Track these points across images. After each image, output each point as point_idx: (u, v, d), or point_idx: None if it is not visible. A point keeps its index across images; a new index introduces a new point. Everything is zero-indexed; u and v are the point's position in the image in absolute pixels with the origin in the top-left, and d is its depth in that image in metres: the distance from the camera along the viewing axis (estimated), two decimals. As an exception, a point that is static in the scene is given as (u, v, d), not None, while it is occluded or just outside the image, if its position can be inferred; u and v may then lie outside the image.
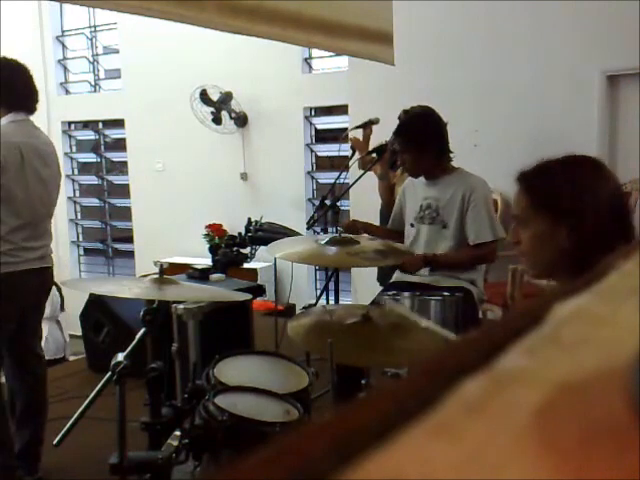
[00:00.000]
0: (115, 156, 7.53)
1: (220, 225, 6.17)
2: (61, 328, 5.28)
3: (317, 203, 3.70)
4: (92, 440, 2.69)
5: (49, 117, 7.33)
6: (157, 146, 6.71)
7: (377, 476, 0.21)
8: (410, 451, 0.22)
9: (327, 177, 6.00)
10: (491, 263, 3.09)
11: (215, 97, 6.06)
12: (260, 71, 6.03)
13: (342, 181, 3.67)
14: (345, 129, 5.62)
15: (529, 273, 1.71)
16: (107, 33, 7.31)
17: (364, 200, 4.41)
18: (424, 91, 4.45)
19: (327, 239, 2.40)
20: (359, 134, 4.10)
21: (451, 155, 3.02)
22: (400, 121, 3.04)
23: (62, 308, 5.32)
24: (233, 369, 2.12)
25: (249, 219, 3.98)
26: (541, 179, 1.54)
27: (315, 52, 5.99)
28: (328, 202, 3.34)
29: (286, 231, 3.84)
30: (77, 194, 7.66)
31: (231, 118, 6.17)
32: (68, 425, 1.72)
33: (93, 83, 7.46)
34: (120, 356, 1.78)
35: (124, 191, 7.22)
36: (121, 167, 7.44)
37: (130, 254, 7.29)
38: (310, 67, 6.13)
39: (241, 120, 6.20)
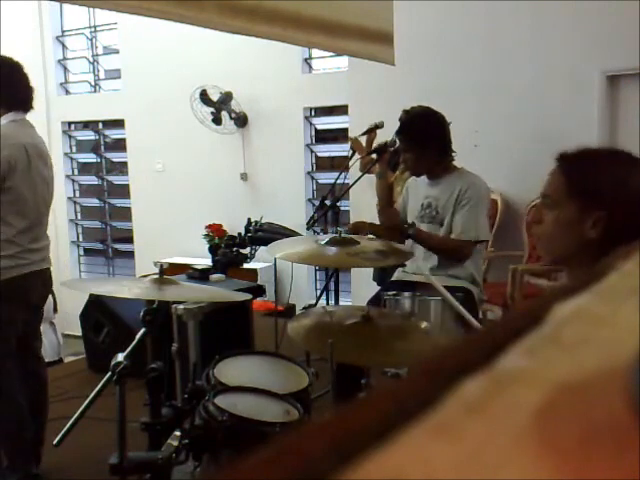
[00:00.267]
0: (115, 156, 7.53)
1: (220, 225, 6.17)
2: (55, 330, 5.28)
3: (317, 203, 3.70)
4: (92, 440, 2.69)
5: (49, 117, 7.33)
6: (157, 146, 6.72)
7: (377, 476, 0.21)
8: (410, 451, 0.22)
9: (327, 177, 6.00)
10: (460, 262, 2.99)
11: (215, 97, 6.06)
12: (260, 71, 6.03)
13: (342, 181, 3.67)
14: (345, 129, 5.62)
15: (542, 257, 1.64)
16: (107, 33, 7.32)
17: (364, 200, 4.41)
18: (424, 91, 4.45)
19: (327, 239, 2.40)
20: (363, 138, 4.11)
21: (453, 155, 3.02)
22: (402, 120, 3.04)
23: (55, 309, 5.32)
24: (233, 369, 2.12)
25: (249, 219, 3.98)
26: (583, 163, 1.50)
27: (315, 52, 5.99)
28: (328, 202, 3.34)
29: (286, 231, 3.84)
30: (77, 194, 7.66)
31: (231, 118, 6.17)
32: (68, 425, 1.73)
33: (93, 83, 7.46)
34: (120, 356, 1.78)
35: (124, 191, 7.22)
36: (121, 167, 7.44)
37: (130, 254, 7.29)
38: (310, 67, 6.14)
39: (241, 120, 6.20)
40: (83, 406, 1.74)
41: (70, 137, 7.55)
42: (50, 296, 5.12)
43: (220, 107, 6.08)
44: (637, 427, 0.22)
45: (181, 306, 2.89)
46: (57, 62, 7.41)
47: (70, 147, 7.56)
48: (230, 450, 1.76)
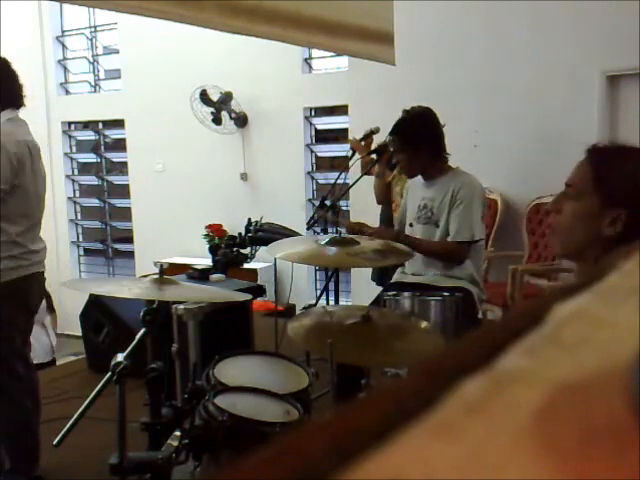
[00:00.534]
0: (115, 156, 7.53)
1: (220, 225, 6.18)
2: (47, 332, 5.27)
3: (317, 203, 3.70)
4: (92, 440, 2.69)
5: (49, 117, 7.33)
6: (157, 146, 6.72)
7: (377, 476, 0.21)
8: (410, 451, 0.22)
9: (327, 177, 6.00)
10: (459, 264, 2.99)
11: (215, 97, 6.06)
12: (260, 71, 6.03)
13: (342, 181, 3.67)
14: (345, 129, 5.62)
15: (554, 249, 1.63)
16: (107, 33, 7.32)
17: (364, 200, 4.41)
18: (424, 91, 4.45)
19: (327, 239, 2.40)
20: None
21: (447, 156, 3.02)
22: (396, 122, 3.04)
23: (50, 311, 5.33)
24: (233, 369, 2.12)
25: (249, 219, 3.98)
26: (613, 158, 1.47)
27: (315, 52, 5.99)
28: (328, 202, 3.34)
29: (286, 231, 3.83)
30: (77, 194, 7.67)
31: (231, 118, 6.17)
32: (68, 425, 1.72)
33: (93, 83, 7.46)
34: (120, 356, 1.78)
35: (124, 191, 7.22)
36: (121, 167, 7.44)
37: (130, 254, 7.29)
38: (310, 67, 6.14)
39: (241, 120, 6.20)
40: (83, 406, 1.74)
41: (70, 137, 7.55)
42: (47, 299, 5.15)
43: (220, 107, 6.08)
44: (637, 427, 0.22)
45: (181, 306, 2.89)
46: (57, 62, 7.41)
47: (70, 147, 7.56)
48: (230, 450, 1.76)
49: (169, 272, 2.27)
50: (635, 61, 3.95)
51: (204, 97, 6.02)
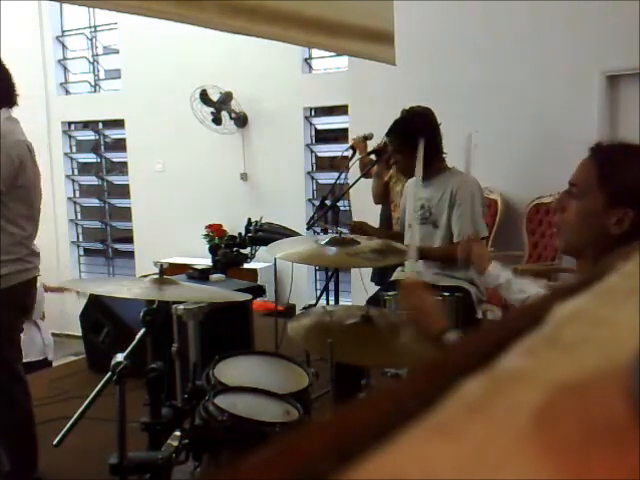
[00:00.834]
0: (115, 156, 7.53)
1: (220, 225, 6.18)
2: (40, 331, 5.30)
3: (317, 203, 3.70)
4: (92, 440, 2.69)
5: (49, 117, 7.34)
6: (157, 146, 6.72)
7: (377, 476, 0.21)
8: (410, 451, 0.22)
9: (327, 177, 6.00)
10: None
11: (215, 97, 6.06)
12: (260, 71, 6.03)
13: (342, 181, 3.67)
14: (345, 129, 5.63)
15: (559, 246, 1.61)
16: (107, 33, 7.32)
17: (364, 200, 4.42)
18: (424, 91, 4.45)
19: (327, 239, 2.40)
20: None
21: (444, 155, 3.02)
22: (394, 121, 3.04)
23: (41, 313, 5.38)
24: (233, 369, 2.12)
25: (249, 219, 3.97)
26: (618, 157, 1.45)
27: (315, 52, 5.99)
28: (328, 202, 3.34)
29: (286, 231, 3.83)
30: (77, 194, 7.67)
31: (231, 118, 6.17)
32: (68, 425, 1.72)
33: (93, 83, 7.46)
34: (120, 356, 1.78)
35: (124, 191, 7.22)
36: (121, 167, 7.44)
37: (130, 254, 7.29)
38: (310, 67, 6.14)
39: (241, 120, 6.20)
40: (83, 406, 1.74)
41: (70, 137, 7.56)
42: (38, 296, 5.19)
43: (220, 107, 6.08)
44: (637, 427, 0.22)
45: (181, 306, 2.89)
46: (57, 62, 7.41)
47: (70, 147, 7.57)
48: (230, 450, 1.76)
49: (169, 272, 2.27)
50: (635, 61, 3.95)
51: (204, 97, 6.02)
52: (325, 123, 6.30)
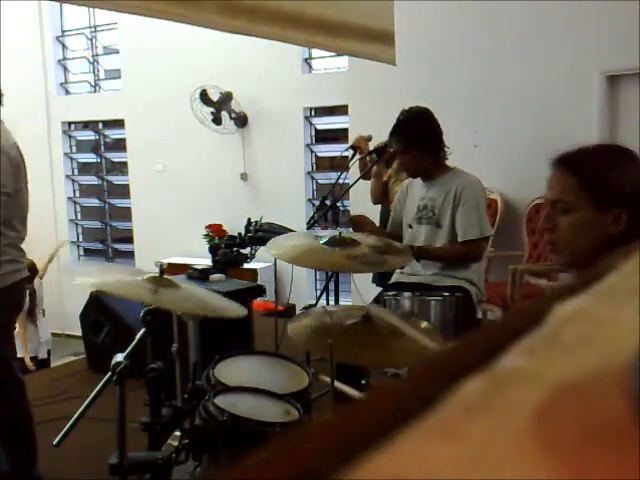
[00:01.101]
0: (115, 156, 7.53)
1: (220, 225, 6.17)
2: (37, 329, 5.38)
3: (317, 203, 3.69)
4: (92, 440, 2.69)
5: (49, 117, 7.33)
6: (157, 146, 6.72)
7: (377, 476, 0.21)
8: (410, 451, 0.22)
9: (327, 177, 6.00)
10: (476, 262, 2.99)
11: (215, 97, 6.06)
12: (260, 71, 6.03)
13: (342, 181, 3.67)
14: (345, 129, 5.62)
15: (560, 262, 1.56)
16: (107, 33, 7.32)
17: (364, 200, 4.42)
18: (424, 91, 4.45)
19: (327, 239, 2.40)
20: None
21: (447, 155, 3.03)
22: (397, 121, 3.04)
23: (37, 308, 5.47)
24: (233, 369, 2.12)
25: (249, 219, 3.97)
26: (591, 161, 1.46)
27: (315, 52, 5.99)
28: (328, 202, 3.34)
29: (286, 231, 3.83)
30: (77, 194, 7.67)
31: (231, 118, 6.17)
32: (68, 425, 1.72)
33: (93, 83, 7.46)
34: (120, 356, 1.78)
35: (124, 191, 7.22)
36: (121, 167, 7.44)
37: (130, 254, 7.29)
38: (310, 67, 6.14)
39: (241, 120, 6.20)
40: (83, 406, 1.74)
41: (70, 137, 7.55)
42: (30, 295, 5.30)
43: (220, 107, 6.08)
44: (637, 427, 0.22)
45: (181, 306, 2.88)
46: (57, 62, 7.41)
47: (70, 147, 7.56)
48: (230, 450, 1.76)
49: (169, 272, 2.27)
50: (635, 61, 3.95)
51: (204, 97, 6.02)
52: (325, 123, 6.29)
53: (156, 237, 6.78)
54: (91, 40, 7.40)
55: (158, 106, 6.55)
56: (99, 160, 7.61)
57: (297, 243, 2.57)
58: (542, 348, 0.28)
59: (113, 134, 7.51)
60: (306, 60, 6.05)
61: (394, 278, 3.14)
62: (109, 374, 1.75)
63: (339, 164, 5.08)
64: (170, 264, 4.91)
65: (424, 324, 2.28)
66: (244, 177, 6.33)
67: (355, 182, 3.50)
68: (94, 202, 7.66)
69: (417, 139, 2.95)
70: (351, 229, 3.10)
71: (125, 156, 7.12)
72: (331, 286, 3.42)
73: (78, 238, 7.70)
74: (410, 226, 3.09)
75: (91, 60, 7.44)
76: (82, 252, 7.78)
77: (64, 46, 7.47)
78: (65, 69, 7.53)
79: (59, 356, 5.76)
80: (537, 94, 4.50)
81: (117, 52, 7.10)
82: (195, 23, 2.52)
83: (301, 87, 5.98)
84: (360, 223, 3.07)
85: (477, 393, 0.25)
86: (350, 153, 4.03)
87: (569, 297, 0.33)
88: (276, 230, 3.82)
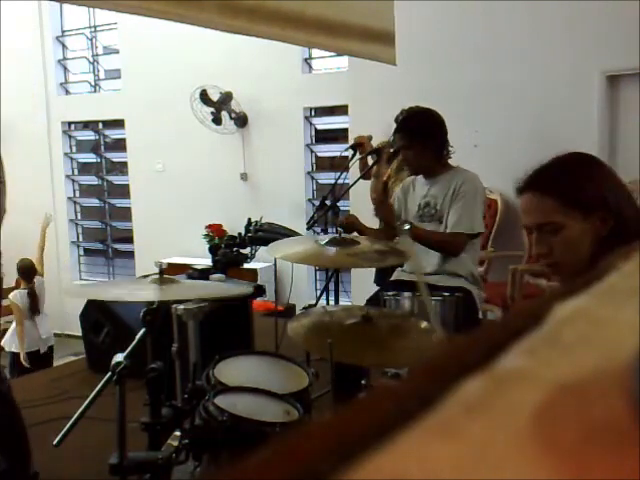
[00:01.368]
0: (115, 156, 7.53)
1: (220, 225, 6.17)
2: (37, 325, 5.48)
3: (317, 203, 3.69)
4: (92, 440, 2.68)
5: (49, 117, 7.34)
6: (157, 146, 6.72)
7: (377, 476, 0.21)
8: (410, 451, 0.22)
9: (327, 177, 6.00)
10: (454, 256, 2.95)
11: (215, 97, 6.06)
12: (260, 71, 6.03)
13: (342, 181, 3.67)
14: (345, 129, 5.62)
15: (565, 280, 1.57)
16: (107, 33, 7.32)
17: (364, 200, 4.41)
18: (424, 91, 4.45)
19: (327, 239, 2.40)
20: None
21: (451, 153, 3.03)
22: (403, 117, 3.05)
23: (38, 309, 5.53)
24: (233, 369, 2.12)
25: (249, 219, 3.97)
26: (563, 177, 1.49)
27: (315, 52, 5.99)
28: (328, 202, 3.33)
29: (286, 231, 3.83)
30: (77, 194, 7.67)
31: (231, 118, 6.17)
32: (68, 425, 1.72)
33: (93, 83, 7.46)
34: (120, 356, 1.78)
35: (124, 191, 7.22)
36: (121, 167, 7.44)
37: (130, 254, 7.29)
38: (310, 67, 6.14)
39: (241, 120, 6.20)
40: (83, 406, 1.74)
41: (70, 137, 7.55)
42: (30, 294, 5.37)
43: (220, 107, 6.08)
44: (637, 427, 0.22)
45: (181, 306, 2.88)
46: (57, 62, 7.41)
47: (70, 147, 7.57)
48: (230, 450, 1.76)
49: (169, 272, 2.27)
50: (635, 61, 3.95)
51: (204, 97, 6.02)
52: (325, 123, 6.29)
53: (156, 237, 6.78)
54: (91, 40, 7.40)
55: (158, 106, 6.55)
56: (99, 160, 7.61)
57: (298, 245, 2.58)
58: (542, 348, 0.28)
59: (113, 134, 7.51)
60: (306, 60, 6.05)
61: (394, 276, 3.14)
62: (109, 374, 1.75)
63: (339, 164, 5.08)
64: (170, 264, 4.91)
65: (424, 324, 2.28)
66: (244, 177, 6.33)
67: (355, 182, 3.50)
68: (94, 202, 7.66)
69: (421, 136, 2.95)
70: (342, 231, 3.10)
71: (125, 156, 7.12)
72: (331, 286, 3.42)
73: (78, 238, 7.70)
74: (411, 224, 3.09)
75: (91, 60, 7.44)
76: (82, 252, 7.77)
77: (64, 46, 7.47)
78: (65, 69, 7.53)
79: (59, 356, 5.76)
80: (537, 94, 4.50)
81: (117, 52, 7.11)
82: (195, 23, 2.51)
83: (301, 87, 5.98)
84: (350, 224, 3.07)
85: (477, 393, 0.25)
86: (350, 153, 4.03)
87: (569, 297, 0.33)
88: (276, 230, 3.82)
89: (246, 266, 4.32)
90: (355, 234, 2.89)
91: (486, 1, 4.58)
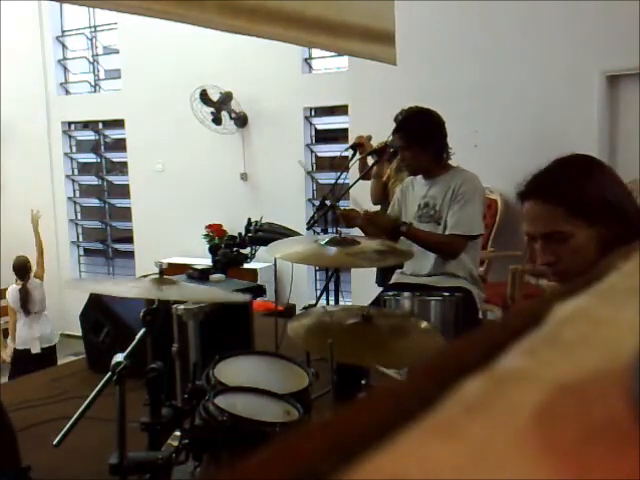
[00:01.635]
0: (115, 156, 7.53)
1: (220, 225, 6.17)
2: (28, 325, 5.54)
3: (317, 203, 3.69)
4: (92, 440, 2.68)
5: (49, 117, 7.34)
6: (157, 146, 6.72)
7: (377, 476, 0.21)
8: (410, 451, 0.22)
9: (327, 177, 6.00)
10: (453, 258, 2.93)
11: (215, 97, 6.06)
12: (260, 71, 6.03)
13: (342, 181, 3.67)
14: (345, 129, 5.62)
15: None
16: (107, 33, 7.32)
17: (364, 201, 4.42)
18: (424, 91, 4.45)
19: (327, 239, 2.40)
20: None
21: (450, 153, 3.03)
22: (402, 118, 3.04)
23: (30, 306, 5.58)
24: (233, 369, 2.12)
25: (249, 219, 3.97)
26: (567, 184, 1.48)
27: (315, 52, 5.99)
28: (328, 202, 3.33)
29: (286, 231, 3.83)
30: (77, 194, 7.67)
31: (231, 118, 6.17)
32: (68, 425, 1.72)
33: (93, 83, 7.46)
34: (120, 356, 1.78)
35: (124, 191, 7.22)
36: (121, 167, 7.44)
37: (130, 254, 7.29)
38: (310, 67, 6.14)
39: (241, 120, 6.20)
40: (83, 406, 1.74)
41: (70, 137, 7.55)
42: (21, 291, 5.41)
43: (220, 107, 6.08)
44: (637, 427, 0.22)
45: (181, 306, 2.88)
46: (57, 62, 7.41)
47: (70, 147, 7.57)
48: (230, 450, 1.76)
49: (169, 272, 2.27)
50: (635, 61, 3.95)
51: (204, 97, 6.02)
52: (325, 123, 6.29)
53: (156, 237, 6.78)
54: (91, 40, 7.40)
55: (158, 106, 6.55)
56: (99, 160, 7.61)
57: (298, 245, 2.58)
58: (542, 348, 0.28)
59: (113, 134, 7.51)
60: (306, 60, 6.05)
61: (394, 278, 3.14)
62: (109, 374, 1.75)
63: (339, 164, 5.08)
64: (170, 264, 4.91)
65: (424, 324, 2.28)
66: (244, 177, 6.33)
67: (355, 182, 3.50)
68: (94, 202, 7.66)
69: (420, 137, 2.94)
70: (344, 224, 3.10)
71: (125, 156, 7.12)
72: (331, 286, 3.42)
73: (78, 238, 7.70)
74: (411, 224, 3.08)
75: (91, 60, 7.44)
76: (82, 252, 7.77)
77: (64, 46, 7.47)
78: (65, 69, 7.53)
79: (59, 356, 5.76)
80: (537, 94, 4.49)
81: (117, 52, 7.11)
82: (196, 23, 2.52)
83: (301, 87, 5.98)
84: (350, 217, 3.06)
85: (477, 393, 0.25)
86: (350, 153, 4.02)
87: (569, 297, 0.33)
88: (276, 230, 3.82)
89: (246, 266, 4.33)
90: (354, 235, 2.88)
91: (486, 1, 4.58)
